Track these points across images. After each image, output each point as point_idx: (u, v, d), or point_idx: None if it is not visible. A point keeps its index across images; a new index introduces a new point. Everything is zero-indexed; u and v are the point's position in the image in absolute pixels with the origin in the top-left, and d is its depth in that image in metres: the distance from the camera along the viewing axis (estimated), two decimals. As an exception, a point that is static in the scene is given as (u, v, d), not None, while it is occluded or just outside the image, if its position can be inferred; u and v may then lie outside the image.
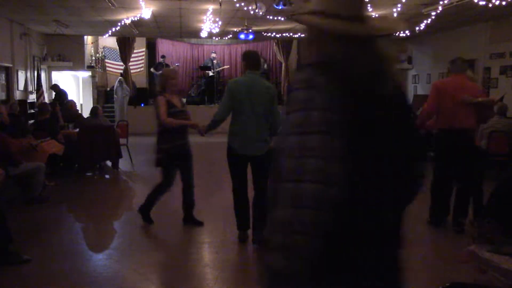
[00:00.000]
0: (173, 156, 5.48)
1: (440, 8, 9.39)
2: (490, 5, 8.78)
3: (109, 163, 9.78)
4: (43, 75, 14.46)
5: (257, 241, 5.03)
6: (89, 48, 17.10)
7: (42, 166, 6.95)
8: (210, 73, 17.69)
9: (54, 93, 13.86)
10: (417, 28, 11.56)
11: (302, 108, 1.34)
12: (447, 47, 14.12)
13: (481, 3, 8.62)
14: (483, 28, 12.31)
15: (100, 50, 18.42)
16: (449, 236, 5.55)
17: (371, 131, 1.39)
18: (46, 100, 13.68)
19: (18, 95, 12.56)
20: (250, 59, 4.97)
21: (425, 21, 10.82)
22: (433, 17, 10.24)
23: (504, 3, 8.62)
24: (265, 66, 18.47)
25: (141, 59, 18.86)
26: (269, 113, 4.87)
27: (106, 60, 18.73)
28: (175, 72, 6.12)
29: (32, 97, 13.51)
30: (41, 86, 13.79)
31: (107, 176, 9.42)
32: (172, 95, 5.55)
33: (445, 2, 8.99)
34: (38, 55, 14.32)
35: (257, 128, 4.85)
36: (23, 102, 12.28)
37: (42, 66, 14.56)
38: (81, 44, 16.04)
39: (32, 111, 12.41)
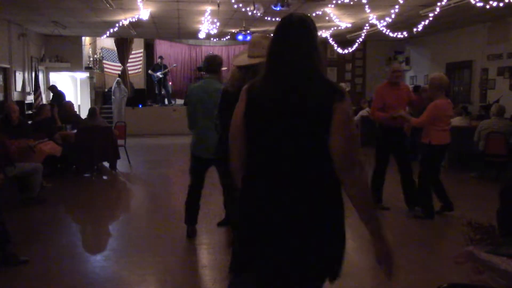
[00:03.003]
0: None
1: (437, 9, 9.40)
2: (488, 6, 8.79)
3: (107, 164, 9.76)
4: (40, 76, 14.42)
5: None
6: (87, 49, 17.08)
7: (39, 167, 6.94)
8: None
9: (51, 94, 13.85)
10: (414, 30, 11.56)
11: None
12: (444, 48, 14.16)
13: (479, 4, 8.63)
14: (481, 29, 12.34)
15: (98, 51, 18.40)
16: (447, 236, 5.56)
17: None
18: (44, 101, 13.66)
19: (15, 96, 12.53)
20: (207, 63, 5.24)
21: (422, 22, 10.83)
22: (430, 19, 10.25)
23: (501, 4, 8.64)
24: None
25: (139, 60, 18.85)
26: None
27: (104, 61, 18.71)
28: None
29: (30, 98, 13.48)
30: (39, 87, 13.76)
31: (105, 177, 9.41)
32: None
33: (443, 3, 9.00)
34: (36, 56, 14.29)
35: (206, 132, 5.00)
36: (20, 103, 12.25)
37: (40, 67, 14.53)
38: (79, 45, 16.02)
39: (30, 112, 12.38)
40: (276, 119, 2.08)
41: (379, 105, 6.51)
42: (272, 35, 2.27)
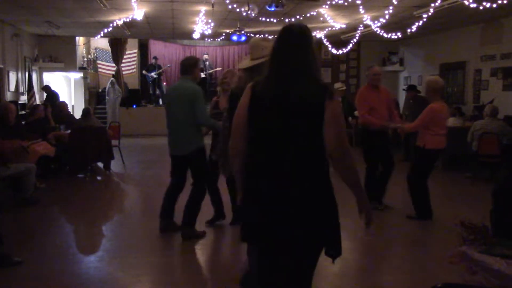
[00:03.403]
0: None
1: (431, 10, 9.43)
2: (481, 7, 8.83)
3: (101, 164, 9.74)
4: (34, 76, 14.35)
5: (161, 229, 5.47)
6: (81, 49, 17.03)
7: (33, 167, 6.91)
8: (202, 75, 17.65)
9: (45, 94, 13.79)
10: (408, 30, 11.59)
11: None
12: (438, 49, 14.20)
13: (472, 5, 8.66)
14: (474, 30, 12.39)
15: (92, 51, 18.35)
16: (441, 237, 5.58)
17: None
18: (38, 101, 13.60)
19: (9, 96, 12.47)
20: (181, 65, 5.39)
21: (416, 23, 10.86)
22: (424, 19, 10.28)
23: (494, 5, 8.68)
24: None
25: (133, 60, 18.81)
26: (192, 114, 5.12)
27: (98, 61, 18.66)
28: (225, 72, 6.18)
29: (23, 98, 13.42)
30: (32, 87, 13.70)
31: (98, 178, 9.38)
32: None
33: (437, 4, 9.03)
34: (29, 56, 14.22)
35: (177, 131, 5.22)
36: (14, 103, 12.19)
37: (33, 67, 14.46)
38: (73, 45, 15.96)
39: (23, 112, 12.33)
40: (275, 113, 2.45)
41: (365, 108, 6.53)
42: (271, 37, 2.78)
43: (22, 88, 13.58)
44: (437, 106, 5.94)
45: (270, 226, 2.45)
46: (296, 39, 2.55)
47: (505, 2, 8.42)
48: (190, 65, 5.29)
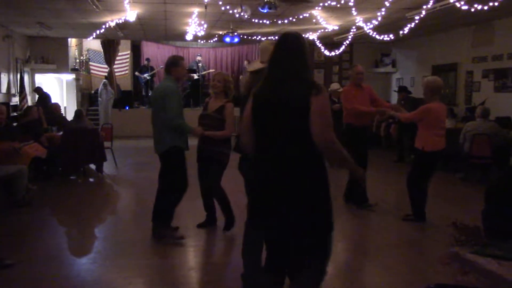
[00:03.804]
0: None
1: (423, 12, 9.48)
2: (472, 9, 8.88)
3: (93, 166, 9.70)
4: (26, 77, 14.28)
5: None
6: (73, 50, 16.96)
7: (24, 169, 6.87)
8: (195, 76, 17.65)
9: (37, 96, 13.72)
10: (401, 32, 11.64)
11: None
12: (430, 51, 14.27)
13: (464, 7, 8.71)
14: (466, 32, 12.46)
15: (85, 52, 18.28)
16: (433, 238, 5.60)
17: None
18: (29, 103, 13.53)
19: (0, 97, 12.40)
20: (164, 65, 5.42)
21: (408, 25, 10.91)
22: (416, 21, 10.33)
23: (486, 8, 8.74)
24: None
25: (126, 62, 18.76)
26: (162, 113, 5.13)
27: (91, 63, 18.60)
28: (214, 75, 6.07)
29: (15, 100, 13.36)
30: (24, 88, 13.63)
31: (91, 180, 9.35)
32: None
33: (429, 6, 9.08)
34: (21, 57, 14.16)
35: (154, 130, 5.26)
36: (6, 105, 12.12)
37: (25, 69, 14.39)
38: (65, 46, 15.90)
39: (15, 114, 12.27)
40: (269, 111, 2.84)
41: (353, 103, 6.57)
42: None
43: (14, 89, 13.51)
44: (435, 106, 5.88)
45: (271, 212, 2.84)
46: (288, 46, 2.91)
47: (496, 4, 8.48)
48: (171, 64, 5.24)
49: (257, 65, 3.93)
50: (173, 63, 5.25)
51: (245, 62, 18.63)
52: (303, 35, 3.03)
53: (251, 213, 3.03)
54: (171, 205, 5.33)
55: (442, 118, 6.07)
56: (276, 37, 3.20)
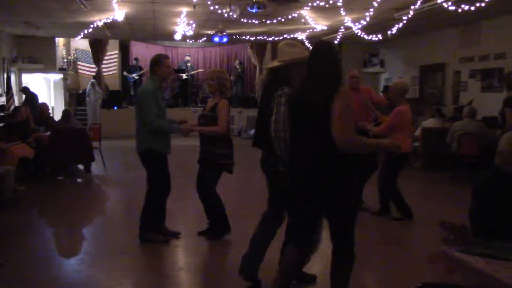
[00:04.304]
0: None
1: (411, 12, 9.55)
2: (460, 10, 8.96)
3: (81, 166, 9.65)
4: (13, 77, 14.15)
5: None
6: (60, 50, 16.85)
7: (11, 170, 6.81)
8: (184, 76, 17.62)
9: (24, 96, 13.60)
10: (389, 32, 11.72)
11: None
12: (418, 51, 14.37)
13: (451, 8, 8.79)
14: (453, 33, 12.56)
15: (72, 52, 18.16)
16: (421, 237, 5.64)
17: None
18: (16, 102, 13.41)
19: (-13, 97, 12.30)
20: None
21: (396, 25, 10.98)
22: (404, 22, 10.40)
23: (473, 8, 8.82)
24: (239, 69, 18.44)
25: (114, 62, 18.66)
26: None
27: (78, 62, 18.47)
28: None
29: (2, 100, 13.23)
30: (11, 88, 13.50)
31: (79, 180, 9.29)
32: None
33: (416, 6, 9.14)
34: (8, 56, 14.03)
35: (136, 129, 5.15)
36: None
37: (12, 68, 14.26)
38: (53, 46, 15.79)
39: (2, 114, 12.15)
40: (296, 111, 3.28)
41: None
42: (297, 42, 3.68)
43: (1, 89, 13.38)
44: (406, 108, 5.94)
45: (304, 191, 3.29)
46: (319, 52, 3.28)
47: (483, 5, 8.56)
48: (154, 63, 5.14)
49: (274, 63, 3.94)
50: (157, 62, 5.12)
51: (236, 62, 18.61)
52: (331, 41, 3.28)
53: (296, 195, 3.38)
54: (153, 208, 5.23)
55: (410, 119, 6.16)
56: (288, 37, 3.45)
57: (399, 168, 6.18)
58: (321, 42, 3.43)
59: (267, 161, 3.94)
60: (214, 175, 5.22)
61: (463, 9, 8.91)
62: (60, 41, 16.60)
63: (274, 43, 17.34)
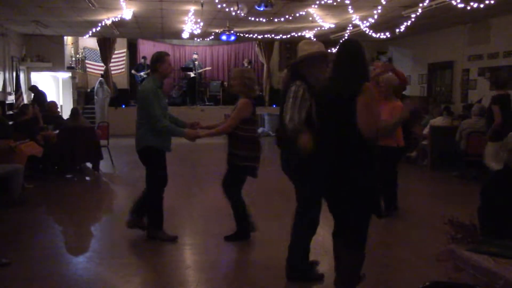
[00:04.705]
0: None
1: (419, 10, 9.49)
2: (468, 7, 8.90)
3: (89, 165, 9.68)
4: (22, 76, 14.24)
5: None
6: (69, 48, 16.91)
7: (20, 168, 6.85)
8: (192, 74, 17.64)
9: (32, 94, 13.68)
10: (397, 30, 11.66)
11: None
12: (426, 49, 14.30)
13: (460, 5, 8.73)
14: (462, 30, 12.48)
15: (81, 50, 18.22)
16: (429, 235, 5.61)
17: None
18: (25, 101, 13.49)
19: (-4, 96, 12.38)
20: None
21: (405, 23, 10.93)
22: (412, 19, 10.35)
23: (482, 6, 8.75)
24: (248, 67, 18.42)
25: (122, 60, 18.70)
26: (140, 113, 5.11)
27: (87, 61, 18.54)
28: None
29: (11, 98, 13.31)
30: (20, 87, 13.59)
31: (87, 178, 9.32)
32: None
33: (425, 4, 9.09)
34: (16, 55, 14.11)
35: (136, 127, 5.17)
36: (1, 103, 12.09)
37: (21, 67, 14.35)
38: (61, 44, 15.85)
39: (11, 112, 12.22)
40: (327, 107, 3.43)
41: None
42: (315, 40, 3.85)
43: (10, 88, 13.46)
44: (397, 104, 5.88)
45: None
46: (345, 50, 3.44)
47: (492, 2, 8.50)
48: (156, 60, 5.10)
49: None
50: (158, 59, 5.07)
51: (245, 61, 18.56)
52: (352, 39, 3.63)
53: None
54: (156, 205, 5.22)
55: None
56: (311, 37, 3.49)
57: (396, 164, 6.23)
58: (348, 41, 3.58)
59: (287, 160, 4.01)
60: (235, 178, 5.08)
61: (472, 6, 8.85)
62: (68, 39, 16.66)
63: (282, 42, 17.33)
